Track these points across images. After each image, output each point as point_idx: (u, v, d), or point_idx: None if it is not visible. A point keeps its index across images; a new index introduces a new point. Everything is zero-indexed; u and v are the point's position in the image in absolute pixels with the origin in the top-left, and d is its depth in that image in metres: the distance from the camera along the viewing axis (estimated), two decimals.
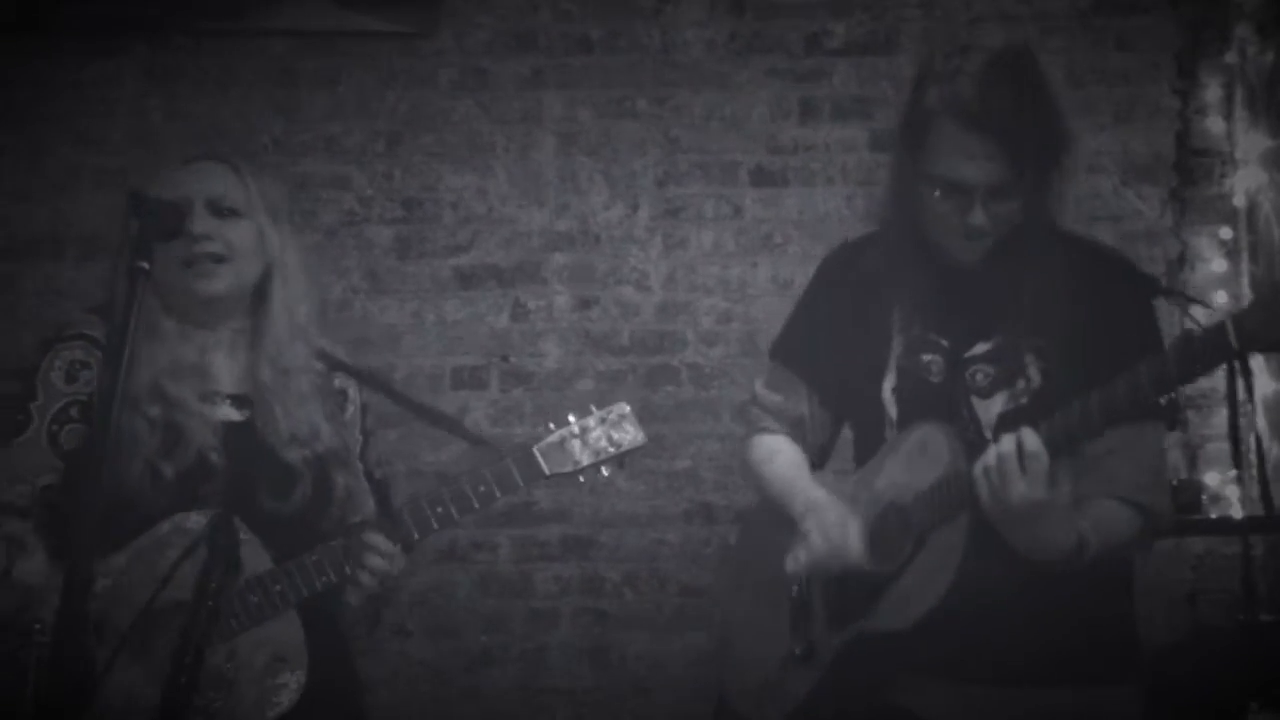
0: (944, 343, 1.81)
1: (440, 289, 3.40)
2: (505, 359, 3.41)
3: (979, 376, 1.79)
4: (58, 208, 3.33)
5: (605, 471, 1.89)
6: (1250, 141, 3.39)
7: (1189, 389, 3.21)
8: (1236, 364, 1.56)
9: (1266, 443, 3.33)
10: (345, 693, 1.96)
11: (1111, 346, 1.73)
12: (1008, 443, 1.63)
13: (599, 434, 1.88)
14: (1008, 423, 1.75)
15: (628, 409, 1.91)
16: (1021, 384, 1.76)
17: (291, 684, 1.82)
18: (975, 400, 1.78)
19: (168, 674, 1.64)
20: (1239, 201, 3.41)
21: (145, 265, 1.63)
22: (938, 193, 1.73)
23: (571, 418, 1.89)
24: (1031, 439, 1.61)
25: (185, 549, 1.71)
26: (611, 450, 1.89)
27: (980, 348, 1.79)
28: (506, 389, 3.39)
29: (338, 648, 1.95)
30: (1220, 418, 3.35)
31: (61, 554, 1.82)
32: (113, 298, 1.83)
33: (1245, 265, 3.40)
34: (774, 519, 1.94)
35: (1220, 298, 3.38)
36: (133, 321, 1.59)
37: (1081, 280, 1.76)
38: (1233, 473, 3.28)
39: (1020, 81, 1.68)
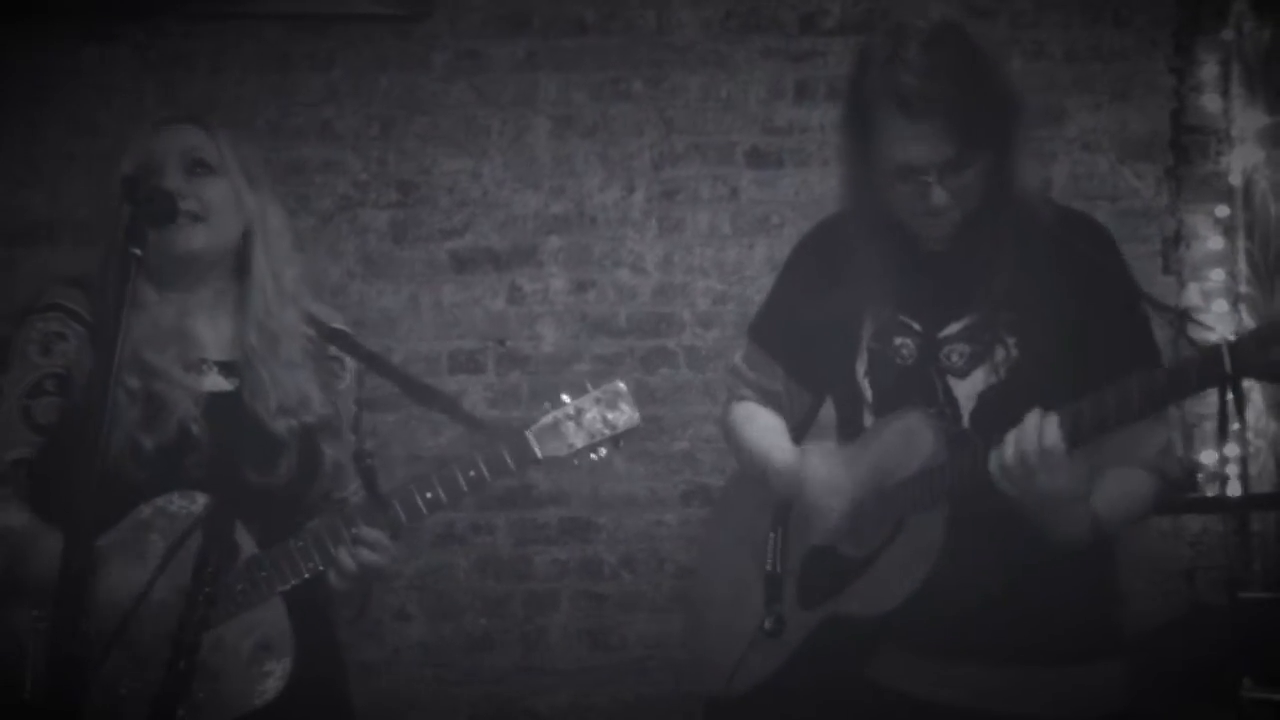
0: (915, 326, 1.80)
1: (436, 273, 3.39)
2: (502, 342, 3.41)
3: (954, 356, 1.78)
4: (53, 192, 3.32)
5: (602, 453, 1.85)
6: (1247, 119, 3.37)
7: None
8: (1230, 388, 1.57)
9: (1264, 421, 3.34)
10: (330, 679, 1.94)
11: (1088, 313, 1.73)
12: (1028, 435, 1.61)
13: (594, 415, 1.84)
14: (987, 400, 1.74)
15: (623, 388, 1.86)
16: (1001, 357, 1.75)
17: (277, 672, 1.79)
18: (952, 381, 1.78)
19: (167, 659, 1.64)
20: (1235, 179, 3.40)
21: (139, 251, 1.62)
22: (893, 178, 1.72)
23: (566, 398, 1.85)
24: (1051, 433, 1.59)
25: (180, 534, 1.71)
26: (606, 432, 1.84)
27: (954, 327, 1.78)
28: (503, 372, 3.40)
29: (324, 634, 1.94)
30: (1216, 396, 3.35)
31: (45, 514, 1.80)
32: (104, 278, 1.80)
33: (1241, 243, 3.39)
34: (749, 493, 1.95)
35: (1217, 276, 3.38)
36: (126, 307, 1.58)
37: (1052, 247, 1.75)
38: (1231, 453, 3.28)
39: (956, 60, 1.67)
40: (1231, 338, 1.55)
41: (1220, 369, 1.53)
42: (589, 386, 1.86)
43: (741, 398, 2.01)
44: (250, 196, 1.90)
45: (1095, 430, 1.61)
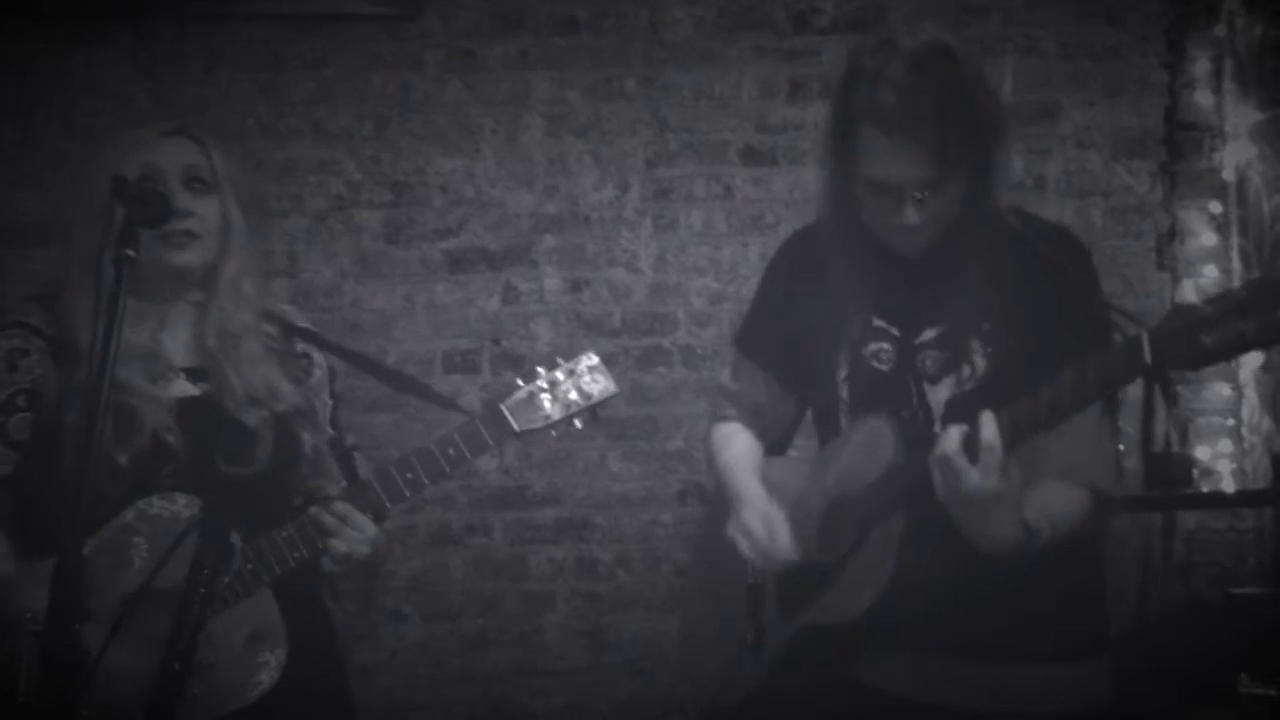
0: (894, 331, 1.81)
1: (430, 273, 3.39)
2: (497, 342, 3.41)
3: (928, 363, 1.79)
4: (45, 195, 3.31)
5: (578, 424, 1.85)
6: (1239, 115, 3.38)
7: None
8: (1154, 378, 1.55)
9: (1258, 417, 3.34)
10: (327, 676, 1.94)
11: (1056, 328, 1.72)
12: (962, 431, 1.62)
13: (568, 386, 1.84)
14: (954, 408, 1.74)
15: (596, 359, 1.86)
16: (967, 369, 1.76)
17: (272, 661, 1.79)
18: (927, 387, 1.78)
19: (161, 661, 1.64)
20: (1228, 175, 3.41)
21: (131, 253, 1.62)
22: (868, 193, 1.73)
23: (540, 370, 1.85)
24: (989, 429, 1.59)
25: (177, 535, 1.71)
26: (582, 402, 1.84)
27: (929, 334, 1.79)
28: (498, 372, 3.39)
29: (322, 628, 1.94)
30: (1211, 391, 3.37)
31: (23, 549, 1.81)
32: (96, 281, 1.80)
33: (1235, 239, 3.40)
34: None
35: (1210, 272, 3.39)
36: (120, 309, 1.58)
37: (1027, 260, 1.75)
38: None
39: (941, 83, 1.67)
40: (1151, 328, 1.52)
41: (1141, 359, 1.51)
42: (560, 360, 1.86)
43: (723, 418, 2.01)
44: (232, 211, 1.93)
45: (1031, 427, 1.61)
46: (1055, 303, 1.73)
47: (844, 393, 1.83)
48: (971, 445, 1.60)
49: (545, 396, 1.83)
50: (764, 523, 1.82)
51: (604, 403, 1.86)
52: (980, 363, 1.76)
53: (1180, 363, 1.51)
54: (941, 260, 1.76)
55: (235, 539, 1.77)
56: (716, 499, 2.03)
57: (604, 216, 3.42)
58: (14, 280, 3.28)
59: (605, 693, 3.35)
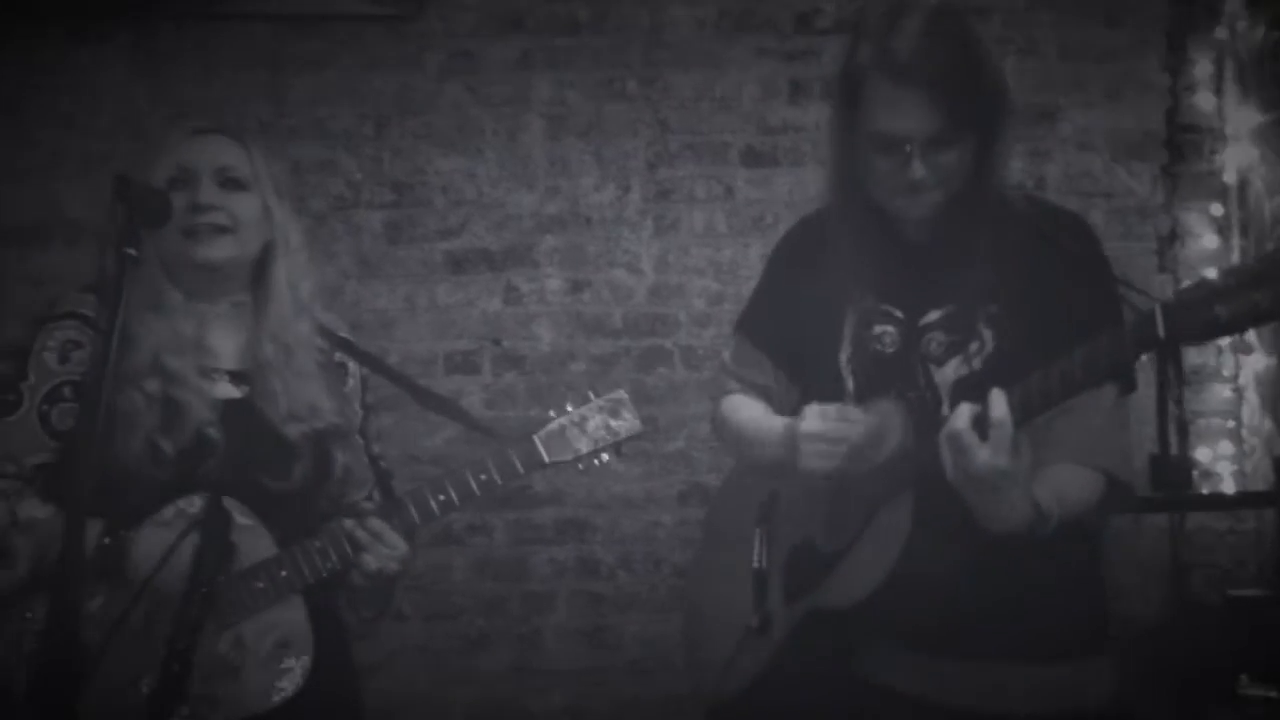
0: (897, 313, 1.81)
1: (431, 273, 3.39)
2: (498, 343, 3.41)
3: (934, 344, 1.79)
4: (45, 193, 3.31)
5: (604, 458, 1.94)
6: (1241, 117, 3.39)
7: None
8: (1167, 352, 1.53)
9: (1259, 418, 3.35)
10: (342, 678, 1.97)
11: (1065, 308, 1.72)
12: (972, 409, 1.61)
13: (598, 422, 1.93)
14: (962, 389, 1.74)
15: (625, 396, 1.96)
16: (975, 348, 1.76)
17: (296, 669, 1.82)
18: (933, 368, 1.78)
19: (162, 659, 1.64)
20: (1230, 177, 3.41)
21: (133, 252, 1.63)
22: (874, 150, 1.73)
23: (570, 406, 1.93)
24: (999, 406, 1.58)
25: (176, 536, 1.71)
26: (609, 439, 1.93)
27: (933, 315, 1.79)
28: (499, 373, 3.40)
29: (339, 637, 1.96)
30: (1211, 393, 3.37)
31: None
32: (102, 281, 1.81)
33: (1236, 241, 3.40)
34: (743, 491, 1.96)
35: (1212, 273, 3.38)
36: (121, 309, 1.58)
37: (1033, 242, 1.75)
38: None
39: (952, 39, 1.69)
40: (1165, 300, 1.51)
41: (1154, 332, 1.50)
42: (591, 395, 1.95)
43: (729, 392, 2.03)
44: (277, 211, 1.93)
45: (1043, 403, 1.60)
46: (1063, 283, 1.73)
47: (848, 375, 1.83)
48: (981, 423, 1.60)
49: (575, 430, 1.93)
50: (823, 416, 1.76)
51: (629, 439, 1.95)
52: (987, 343, 1.76)
53: (1194, 335, 1.50)
54: (946, 242, 1.76)
55: (241, 537, 1.79)
56: (722, 489, 2.03)
57: (605, 217, 3.42)
58: (13, 278, 3.29)
59: (605, 693, 3.35)
